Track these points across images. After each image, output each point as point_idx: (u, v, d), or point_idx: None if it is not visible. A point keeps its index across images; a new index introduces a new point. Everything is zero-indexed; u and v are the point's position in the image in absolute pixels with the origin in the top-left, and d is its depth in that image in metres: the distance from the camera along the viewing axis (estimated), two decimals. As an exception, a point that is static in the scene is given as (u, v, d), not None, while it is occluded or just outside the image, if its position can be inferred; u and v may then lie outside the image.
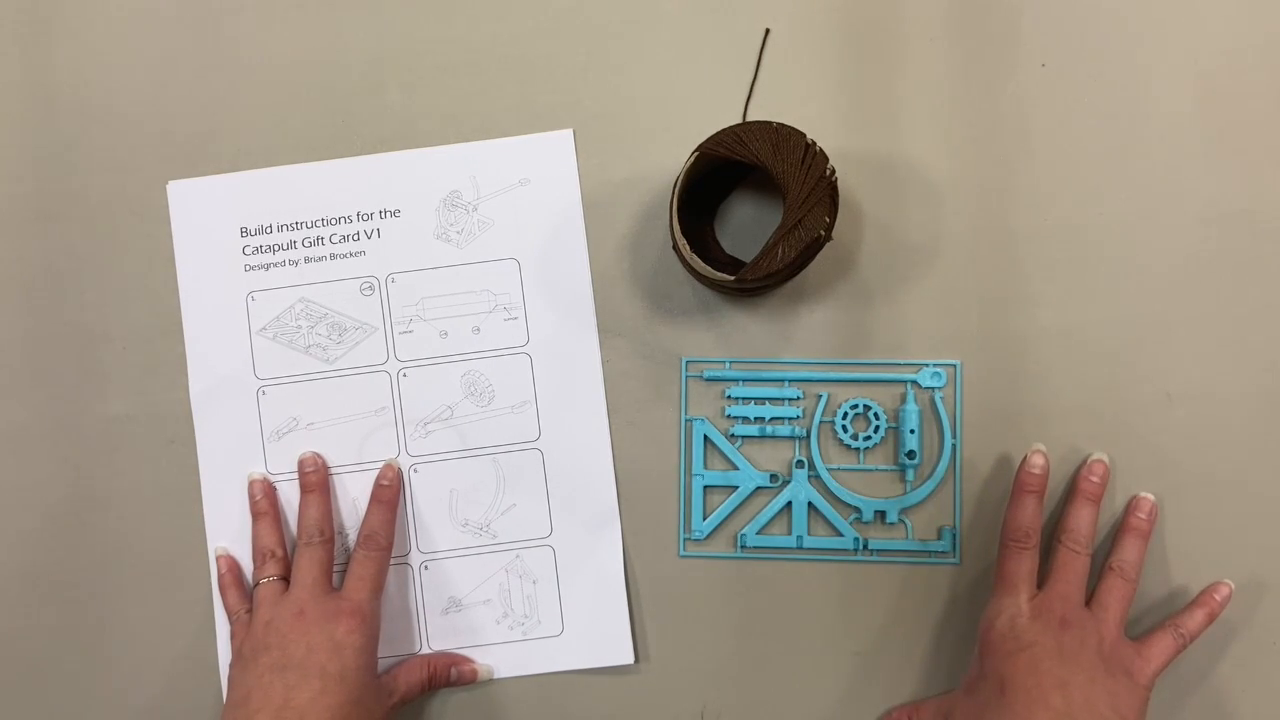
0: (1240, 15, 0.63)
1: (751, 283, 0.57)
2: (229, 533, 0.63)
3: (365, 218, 0.64)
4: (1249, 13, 0.63)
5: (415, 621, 0.63)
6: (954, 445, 0.62)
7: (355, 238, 0.64)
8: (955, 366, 0.62)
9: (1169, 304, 0.62)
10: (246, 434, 0.64)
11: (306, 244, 0.64)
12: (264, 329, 0.64)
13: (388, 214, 0.64)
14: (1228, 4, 0.63)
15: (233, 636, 0.61)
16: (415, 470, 0.64)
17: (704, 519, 0.63)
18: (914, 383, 0.62)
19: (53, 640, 0.64)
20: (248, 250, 0.64)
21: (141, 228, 0.64)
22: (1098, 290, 0.62)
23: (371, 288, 0.64)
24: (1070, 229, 0.62)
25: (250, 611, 0.60)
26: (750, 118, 0.62)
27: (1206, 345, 0.62)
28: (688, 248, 0.57)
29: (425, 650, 0.63)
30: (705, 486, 0.63)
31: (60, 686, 0.64)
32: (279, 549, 0.62)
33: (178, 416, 0.64)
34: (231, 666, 0.60)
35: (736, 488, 0.63)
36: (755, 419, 0.63)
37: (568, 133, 0.64)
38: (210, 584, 0.63)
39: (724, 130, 0.56)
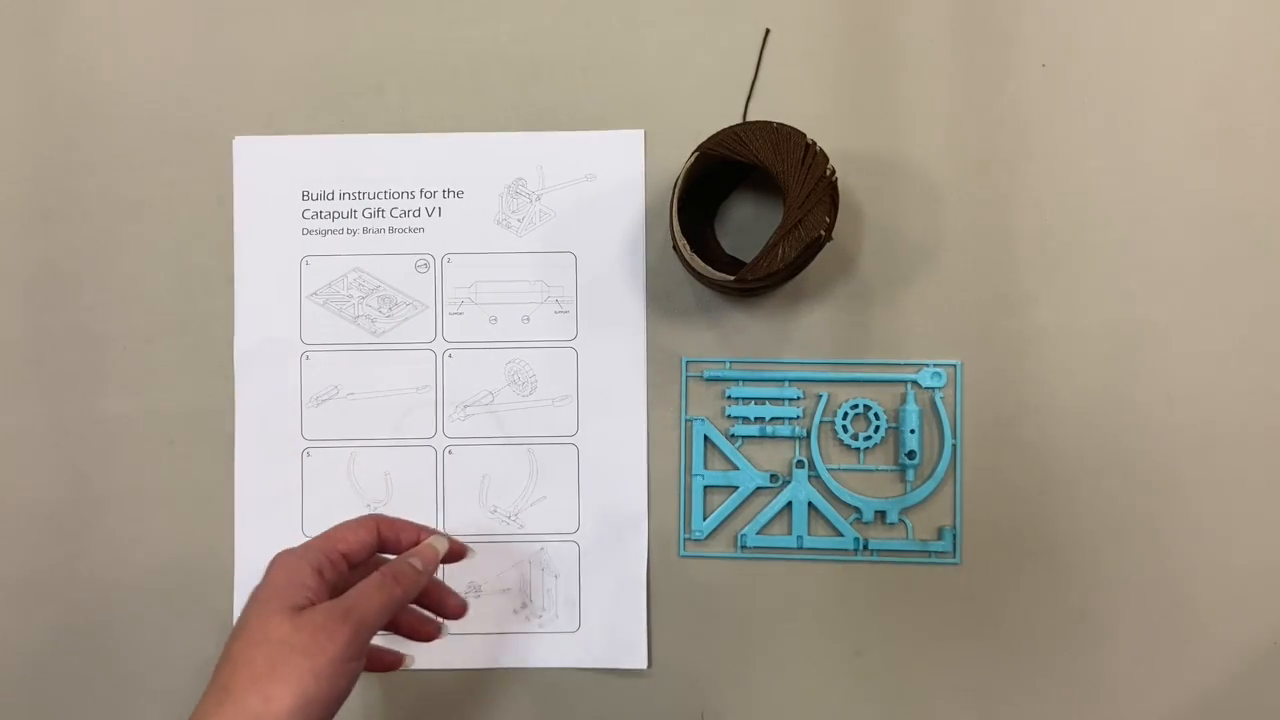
0: (1240, 15, 0.63)
1: (751, 283, 0.57)
2: (259, 487, 0.63)
3: (429, 195, 0.64)
4: (1249, 13, 0.63)
5: None
6: (954, 445, 0.62)
7: (416, 214, 0.64)
8: (955, 366, 0.62)
9: (1169, 304, 0.62)
10: (286, 397, 0.64)
11: (367, 214, 0.64)
12: (314, 294, 0.64)
13: (451, 194, 0.64)
14: (1228, 4, 0.63)
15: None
16: (450, 452, 0.64)
17: (704, 519, 0.63)
18: (914, 383, 0.62)
19: (53, 641, 0.64)
20: (307, 214, 0.64)
21: (142, 228, 0.64)
22: (1098, 290, 0.62)
23: (427, 265, 0.64)
24: (1070, 229, 0.62)
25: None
26: (750, 118, 0.62)
27: (1207, 346, 0.62)
28: (688, 248, 0.57)
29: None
30: (705, 486, 0.63)
31: (61, 687, 0.64)
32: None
33: (178, 416, 0.64)
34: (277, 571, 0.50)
35: (737, 488, 0.63)
36: (755, 419, 0.63)
37: (639, 133, 0.64)
38: (209, 585, 0.63)
39: (724, 130, 0.56)
